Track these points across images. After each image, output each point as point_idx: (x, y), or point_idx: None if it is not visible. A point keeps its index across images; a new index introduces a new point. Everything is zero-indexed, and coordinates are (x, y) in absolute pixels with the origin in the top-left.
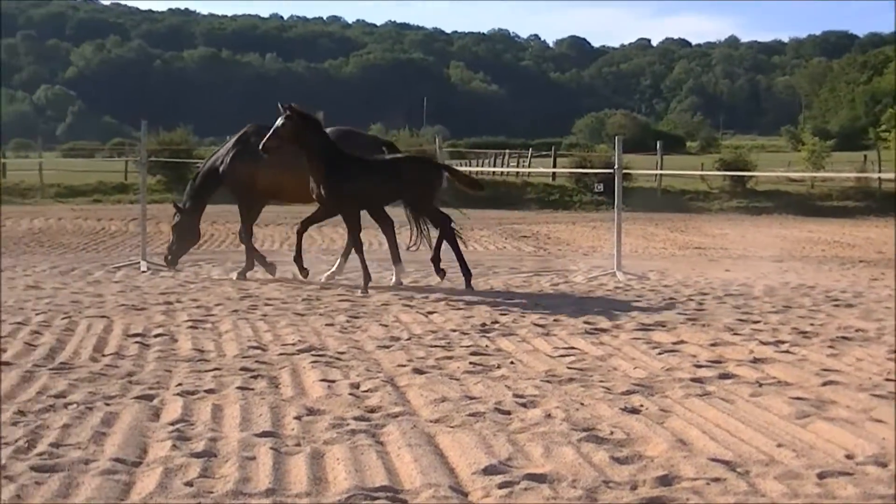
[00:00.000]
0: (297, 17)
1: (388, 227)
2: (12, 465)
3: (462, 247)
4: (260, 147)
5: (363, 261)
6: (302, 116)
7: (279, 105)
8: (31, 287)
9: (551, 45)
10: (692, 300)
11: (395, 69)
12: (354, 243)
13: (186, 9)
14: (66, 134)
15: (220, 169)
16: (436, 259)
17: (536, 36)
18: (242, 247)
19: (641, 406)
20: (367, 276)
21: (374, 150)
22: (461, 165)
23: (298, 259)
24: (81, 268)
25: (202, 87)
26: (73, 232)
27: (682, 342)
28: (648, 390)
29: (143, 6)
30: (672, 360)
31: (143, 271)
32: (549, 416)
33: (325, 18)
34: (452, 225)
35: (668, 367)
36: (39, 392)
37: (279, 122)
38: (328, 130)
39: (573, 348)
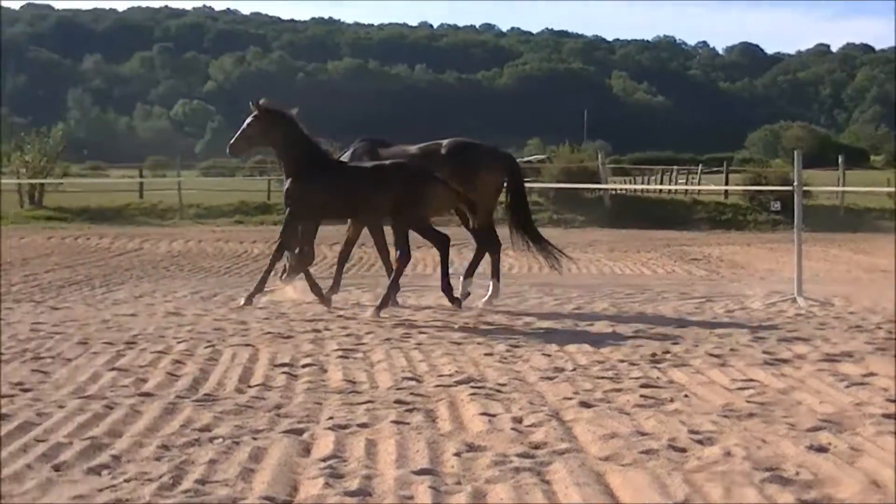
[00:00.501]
0: (448, 25)
1: (493, 246)
2: (157, 503)
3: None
4: (227, 149)
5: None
6: (272, 114)
7: (250, 103)
8: (171, 314)
9: (721, 52)
10: (881, 328)
11: (552, 80)
12: (274, 256)
13: (330, 17)
14: (205, 151)
15: None
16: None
17: (705, 43)
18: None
19: (829, 444)
20: (258, 290)
21: (490, 161)
22: (625, 183)
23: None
24: (224, 293)
25: (348, 101)
26: (214, 255)
27: (871, 374)
28: (837, 427)
29: (286, 15)
30: (862, 394)
31: (290, 296)
32: (728, 454)
33: (477, 27)
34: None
35: (858, 401)
36: (183, 425)
37: (247, 121)
38: (444, 141)
39: (752, 380)
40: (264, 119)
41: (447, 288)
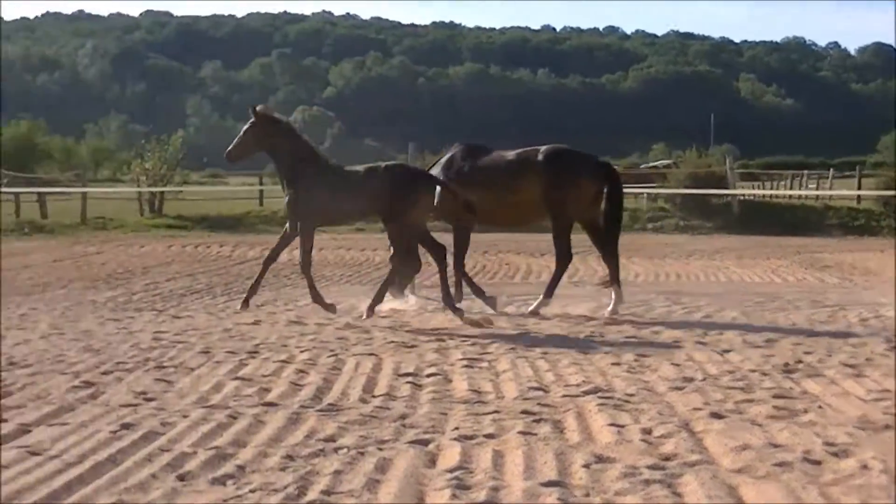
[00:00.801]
0: (571, 28)
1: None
2: None
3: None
4: (225, 155)
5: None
6: (269, 120)
7: (248, 109)
8: (293, 322)
9: (853, 52)
10: None
11: (677, 83)
12: (303, 260)
13: (451, 21)
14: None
15: None
16: (449, 296)
17: (836, 44)
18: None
19: None
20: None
21: (587, 169)
22: (754, 188)
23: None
24: (346, 301)
25: (469, 106)
26: (336, 263)
27: None
28: None
29: (406, 20)
30: None
31: (412, 305)
32: (865, 467)
33: (601, 29)
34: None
35: None
36: (307, 435)
37: (244, 127)
38: (542, 148)
39: (888, 391)
40: (262, 126)
41: (447, 298)
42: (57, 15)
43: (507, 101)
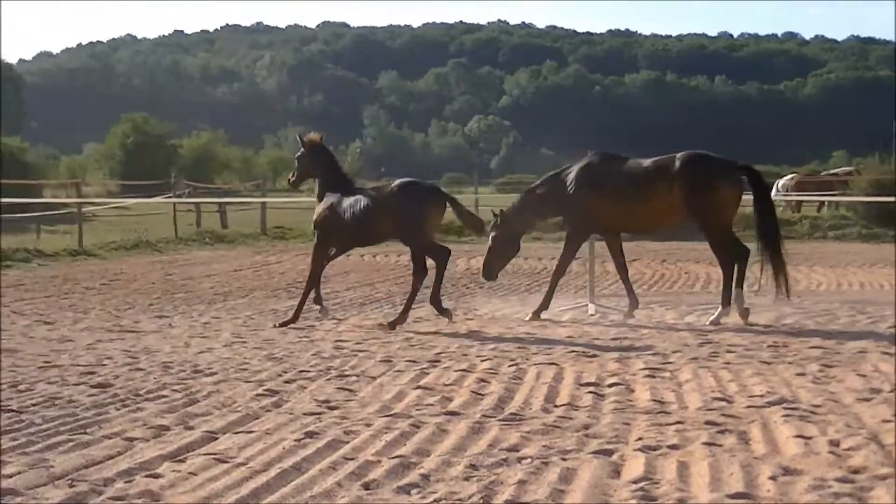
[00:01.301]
0: (749, 34)
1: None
2: None
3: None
4: (289, 185)
5: (311, 293)
6: (312, 147)
7: (297, 137)
8: (473, 331)
9: None
10: None
11: (858, 89)
12: (311, 278)
13: (627, 29)
14: (500, 167)
15: (557, 197)
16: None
17: None
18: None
19: None
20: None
21: (725, 174)
22: None
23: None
24: (525, 310)
25: (644, 114)
26: (514, 272)
27: None
28: None
29: (582, 28)
30: None
31: (592, 314)
32: None
33: (779, 35)
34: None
35: None
36: (491, 445)
37: (296, 155)
38: (679, 154)
39: None
40: (306, 153)
41: (436, 299)
42: (236, 27)
43: (684, 108)
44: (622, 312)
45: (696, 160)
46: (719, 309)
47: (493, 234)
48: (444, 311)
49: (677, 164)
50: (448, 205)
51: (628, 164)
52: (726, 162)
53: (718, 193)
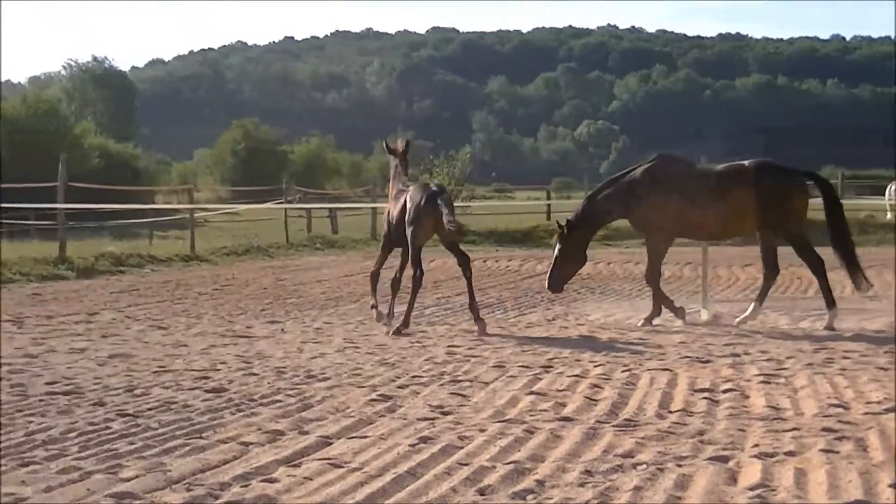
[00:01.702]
0: (861, 37)
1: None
2: None
3: None
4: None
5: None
6: (400, 155)
7: (384, 145)
8: (585, 337)
9: None
10: None
11: None
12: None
13: (738, 33)
14: (610, 171)
15: (621, 200)
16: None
17: None
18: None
19: None
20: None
21: (793, 182)
22: None
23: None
24: (637, 316)
25: (755, 118)
26: (624, 277)
27: None
28: None
29: (691, 32)
30: None
31: (704, 320)
32: None
33: (893, 38)
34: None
35: None
36: (605, 450)
37: (393, 165)
38: (747, 162)
39: None
40: (400, 162)
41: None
42: (346, 33)
43: (795, 112)
44: (734, 317)
45: (770, 168)
46: (828, 312)
47: (558, 245)
48: (479, 320)
49: (751, 171)
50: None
51: (697, 169)
52: (794, 171)
53: (793, 201)
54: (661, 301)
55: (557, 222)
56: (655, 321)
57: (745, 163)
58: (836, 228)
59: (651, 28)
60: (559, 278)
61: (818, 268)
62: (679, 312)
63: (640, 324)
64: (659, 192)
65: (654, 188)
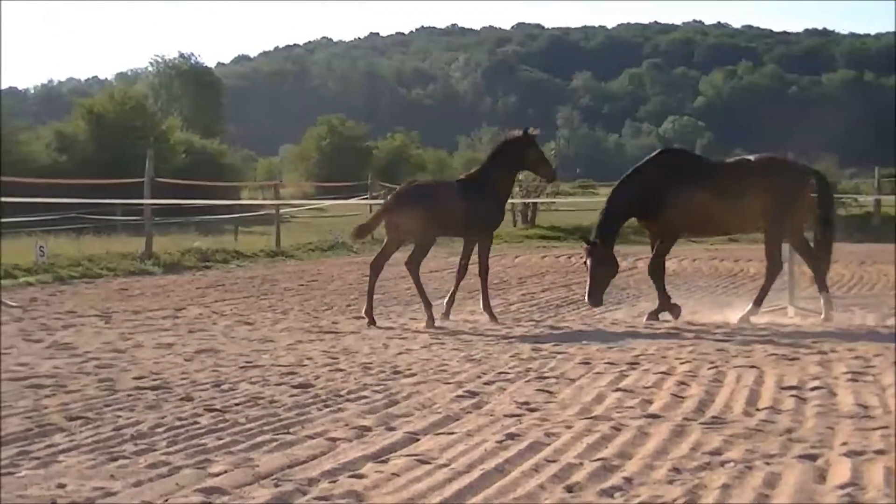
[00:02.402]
0: None
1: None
2: None
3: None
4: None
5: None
6: None
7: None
8: (671, 334)
9: None
10: None
11: None
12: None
13: (825, 28)
14: None
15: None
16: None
17: None
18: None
19: None
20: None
21: (797, 177)
22: None
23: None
24: (721, 313)
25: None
26: (710, 274)
27: None
28: None
29: (778, 27)
30: None
31: (791, 317)
32: None
33: None
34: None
35: None
36: (693, 448)
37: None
38: (753, 157)
39: None
40: None
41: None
42: (431, 29)
43: (880, 108)
44: (819, 315)
45: (782, 164)
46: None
47: (588, 259)
48: (493, 317)
49: (763, 166)
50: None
51: (708, 162)
52: (799, 166)
53: (799, 198)
54: (663, 296)
55: (585, 240)
56: (663, 316)
57: (753, 157)
58: (824, 227)
59: (737, 24)
60: (597, 290)
61: (777, 267)
62: (674, 310)
63: (645, 319)
64: (681, 192)
65: (676, 188)
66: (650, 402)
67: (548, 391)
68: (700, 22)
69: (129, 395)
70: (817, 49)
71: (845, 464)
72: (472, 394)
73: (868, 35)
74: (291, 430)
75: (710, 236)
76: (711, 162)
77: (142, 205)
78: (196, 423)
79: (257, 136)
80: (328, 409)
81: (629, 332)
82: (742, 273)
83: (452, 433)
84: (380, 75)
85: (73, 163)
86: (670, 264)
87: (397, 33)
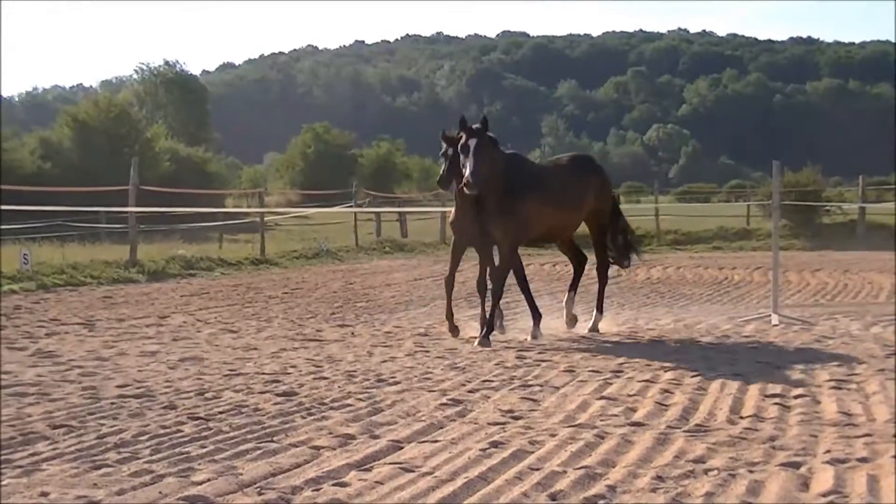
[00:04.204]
0: None
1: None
2: None
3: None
4: None
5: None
6: None
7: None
8: (655, 341)
9: None
10: None
11: None
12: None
13: (809, 37)
14: (679, 176)
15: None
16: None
17: None
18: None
19: None
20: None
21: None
22: None
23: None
24: (707, 321)
25: (827, 123)
26: (694, 282)
27: None
28: None
29: (762, 35)
30: None
31: (775, 325)
32: None
33: None
34: None
35: None
36: (676, 456)
37: None
38: (568, 155)
39: None
40: None
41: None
42: (416, 37)
43: (867, 116)
44: (806, 323)
45: (593, 161)
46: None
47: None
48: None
49: (588, 163)
50: None
51: (540, 164)
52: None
53: (609, 195)
54: (492, 311)
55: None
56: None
57: (571, 155)
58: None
59: (722, 32)
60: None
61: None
62: (499, 324)
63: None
64: (527, 199)
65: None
66: (634, 410)
67: (532, 399)
68: (685, 30)
69: (113, 404)
70: (802, 57)
71: (828, 472)
72: (457, 402)
73: (853, 44)
74: (275, 439)
75: (553, 241)
76: (540, 162)
77: (126, 212)
78: (180, 431)
79: (242, 144)
80: (312, 417)
81: (613, 340)
82: (727, 281)
83: (436, 441)
84: (365, 83)
85: (58, 170)
86: (654, 272)
87: (382, 41)
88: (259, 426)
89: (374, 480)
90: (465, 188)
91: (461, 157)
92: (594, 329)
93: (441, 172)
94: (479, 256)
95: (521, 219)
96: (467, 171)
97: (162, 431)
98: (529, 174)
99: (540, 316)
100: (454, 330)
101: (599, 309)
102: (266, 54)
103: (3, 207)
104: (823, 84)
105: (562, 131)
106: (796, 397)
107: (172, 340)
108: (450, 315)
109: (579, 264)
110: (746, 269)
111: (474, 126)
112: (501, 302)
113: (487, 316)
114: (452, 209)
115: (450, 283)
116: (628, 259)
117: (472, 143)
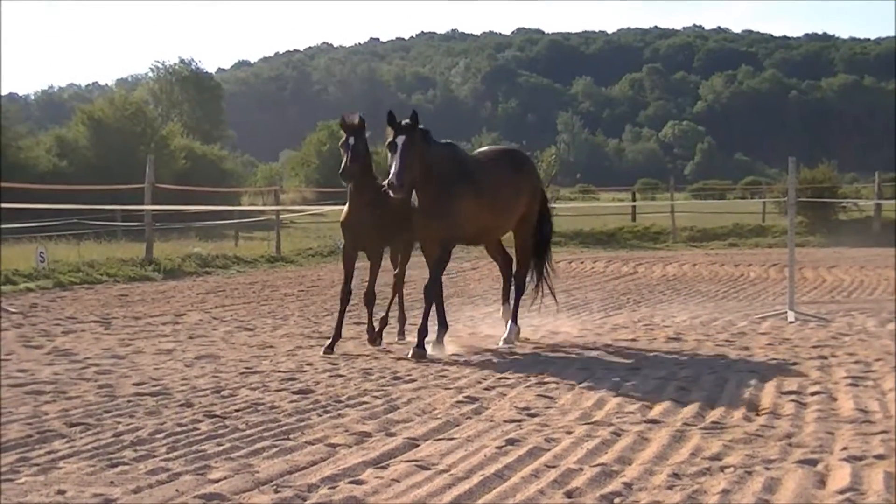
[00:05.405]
0: None
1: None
2: None
3: None
4: None
5: None
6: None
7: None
8: (671, 339)
9: None
10: None
11: None
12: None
13: (825, 33)
14: (694, 173)
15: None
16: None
17: None
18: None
19: None
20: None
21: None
22: None
23: None
24: (723, 318)
25: (842, 119)
26: (710, 279)
27: None
28: None
29: (778, 32)
30: None
31: (791, 322)
32: None
33: None
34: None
35: None
36: (693, 453)
37: None
38: (499, 147)
39: None
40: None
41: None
42: (431, 35)
43: (882, 112)
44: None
45: (523, 155)
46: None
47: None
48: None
49: (523, 160)
50: None
51: (473, 155)
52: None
53: (535, 187)
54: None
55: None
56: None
57: (503, 148)
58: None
59: (737, 28)
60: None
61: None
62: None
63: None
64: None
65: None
66: (650, 407)
67: (548, 396)
68: (700, 27)
69: (129, 402)
70: (817, 54)
71: (845, 469)
72: (472, 399)
73: (868, 39)
74: (291, 436)
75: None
76: (473, 154)
77: (142, 210)
78: (196, 429)
79: (257, 142)
80: (328, 415)
81: (629, 338)
82: (742, 278)
83: (452, 439)
84: (380, 80)
85: (74, 168)
86: (670, 269)
87: (397, 38)
88: (275, 424)
89: (390, 478)
90: (389, 190)
91: (388, 155)
92: (510, 342)
93: (343, 164)
94: (370, 263)
95: (455, 218)
96: (392, 172)
97: (178, 429)
98: (464, 170)
99: (447, 327)
100: (376, 340)
101: (514, 319)
102: (281, 52)
103: (20, 206)
104: (839, 80)
105: (577, 128)
106: (813, 394)
107: (188, 338)
108: (371, 328)
109: (509, 269)
110: (762, 266)
111: (403, 122)
112: (405, 307)
113: (421, 322)
114: (344, 208)
115: (346, 295)
116: (538, 276)
117: (400, 140)
